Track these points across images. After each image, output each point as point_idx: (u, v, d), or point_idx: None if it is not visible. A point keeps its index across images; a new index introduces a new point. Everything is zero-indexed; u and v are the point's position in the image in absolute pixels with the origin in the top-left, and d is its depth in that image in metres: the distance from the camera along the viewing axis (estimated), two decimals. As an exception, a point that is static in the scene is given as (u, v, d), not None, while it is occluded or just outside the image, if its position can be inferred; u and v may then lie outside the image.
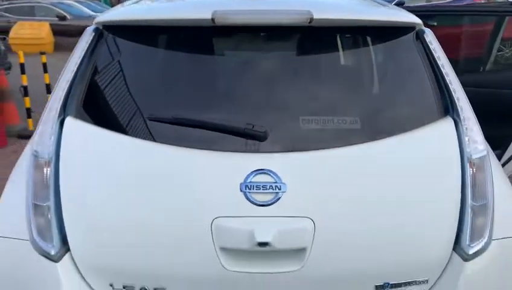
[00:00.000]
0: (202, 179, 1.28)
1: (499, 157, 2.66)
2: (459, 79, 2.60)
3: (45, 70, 5.80)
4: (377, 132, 1.39)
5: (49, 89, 5.72)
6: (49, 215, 1.30)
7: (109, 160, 1.34)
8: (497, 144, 2.63)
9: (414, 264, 1.29)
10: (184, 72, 1.49)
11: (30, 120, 5.31)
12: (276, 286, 1.25)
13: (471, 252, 1.28)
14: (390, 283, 1.27)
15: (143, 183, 1.30)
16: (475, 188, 1.36)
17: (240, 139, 1.33)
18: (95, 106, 1.46)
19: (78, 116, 1.40)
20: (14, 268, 1.30)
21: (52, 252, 1.27)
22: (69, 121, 1.39)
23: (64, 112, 1.42)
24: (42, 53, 5.64)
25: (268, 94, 1.41)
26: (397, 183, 1.33)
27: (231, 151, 1.31)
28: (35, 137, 1.41)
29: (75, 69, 1.47)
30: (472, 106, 2.56)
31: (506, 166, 2.69)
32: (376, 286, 1.27)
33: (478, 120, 2.72)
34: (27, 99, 5.37)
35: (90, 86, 1.46)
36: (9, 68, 7.00)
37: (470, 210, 1.32)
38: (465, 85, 2.57)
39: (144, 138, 1.34)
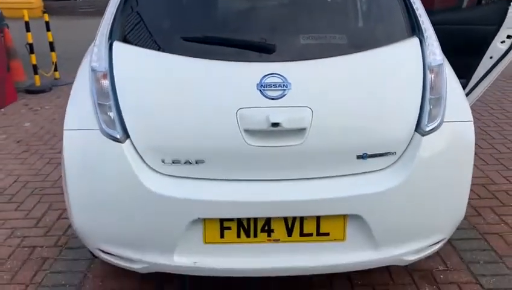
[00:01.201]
0: (229, 81, 1.70)
1: (464, 86, 3.12)
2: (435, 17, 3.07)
3: (48, 29, 6.05)
4: (360, 46, 1.82)
5: (52, 47, 5.99)
6: (110, 112, 1.71)
7: (151, 70, 1.74)
8: (463, 73, 3.08)
9: (386, 140, 1.73)
10: (211, 3, 1.90)
11: (37, 76, 5.62)
12: (284, 155, 1.69)
13: (427, 129, 1.73)
14: (368, 153, 1.74)
15: (181, 86, 1.70)
16: (432, 86, 1.80)
17: (255, 53, 1.75)
18: (135, 31, 1.86)
19: (122, 39, 1.81)
20: (90, 150, 1.71)
21: (118, 136, 1.69)
22: (116, 44, 1.80)
23: (111, 37, 1.82)
24: (44, 12, 5.89)
25: (277, 18, 1.84)
26: (376, 82, 1.76)
27: (249, 61, 1.73)
28: (92, 57, 1.81)
29: (118, 1, 1.87)
30: (444, 40, 3.01)
31: (471, 94, 3.15)
32: (357, 155, 1.74)
33: (448, 53, 3.18)
34: (33, 56, 5.65)
35: (130, 15, 1.86)
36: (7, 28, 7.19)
37: (428, 101, 1.77)
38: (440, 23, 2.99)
39: (178, 54, 1.75)
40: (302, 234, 1.74)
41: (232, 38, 1.76)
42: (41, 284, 2.29)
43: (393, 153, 1.75)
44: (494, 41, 2.90)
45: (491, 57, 2.96)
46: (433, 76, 1.82)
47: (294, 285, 2.23)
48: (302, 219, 1.72)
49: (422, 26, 1.94)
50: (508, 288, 2.23)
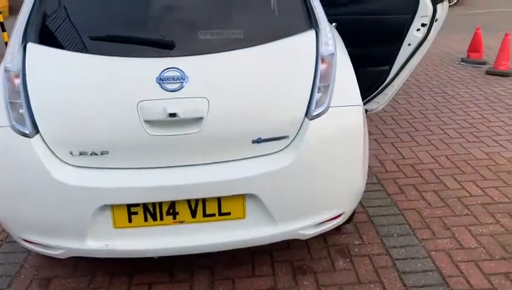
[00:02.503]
0: (130, 76, 1.83)
1: (388, 72, 3.31)
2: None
3: (3, 30, 6.09)
4: (258, 40, 1.97)
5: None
6: (21, 110, 1.84)
7: (61, 69, 1.87)
8: (385, 61, 3.27)
9: (278, 126, 1.89)
10: (113, 2, 2.03)
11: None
12: (184, 143, 1.83)
13: (314, 114, 1.90)
14: (262, 137, 1.89)
15: (87, 83, 1.83)
16: (322, 75, 1.97)
17: (156, 49, 1.89)
18: (47, 31, 1.98)
19: (35, 40, 1.93)
20: (2, 146, 1.84)
21: (27, 131, 1.81)
22: (30, 45, 1.92)
23: (25, 38, 1.93)
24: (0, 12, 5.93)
25: (177, 15, 1.98)
26: (270, 73, 1.91)
27: (150, 57, 1.86)
28: (6, 58, 1.93)
29: (31, 4, 1.98)
30: (359, 32, 3.18)
31: (396, 79, 3.34)
32: (252, 140, 1.89)
33: (369, 42, 3.35)
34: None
35: (43, 16, 1.98)
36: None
37: (317, 88, 1.94)
38: (351, 14, 3.16)
39: (86, 52, 1.87)
40: (205, 215, 1.90)
41: (134, 36, 1.90)
42: (-23, 276, 2.42)
43: (286, 137, 1.91)
44: (410, 30, 3.09)
45: (409, 44, 3.15)
46: (324, 66, 1.98)
47: (218, 261, 2.40)
48: (204, 200, 1.88)
49: (318, 19, 2.10)
50: (415, 257, 2.43)
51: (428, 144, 3.80)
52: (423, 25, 3.06)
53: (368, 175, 3.27)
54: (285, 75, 1.94)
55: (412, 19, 3.05)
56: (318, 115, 1.90)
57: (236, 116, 1.86)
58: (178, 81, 1.82)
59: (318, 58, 1.99)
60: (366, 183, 3.15)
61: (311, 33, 2.06)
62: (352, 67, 2.12)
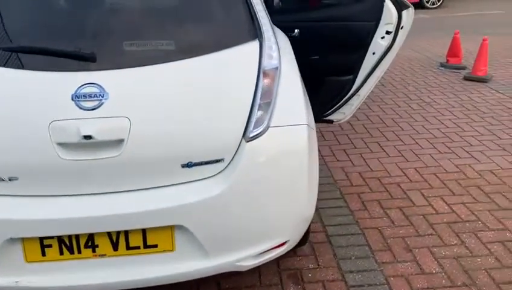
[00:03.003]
0: (43, 92, 1.64)
1: (353, 82, 3.14)
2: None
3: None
4: (191, 52, 1.78)
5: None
6: None
7: None
8: (348, 70, 3.11)
9: (212, 148, 1.70)
10: (26, 10, 1.82)
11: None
12: (102, 168, 1.63)
13: (251, 135, 1.70)
14: (193, 161, 1.70)
15: None
16: (264, 91, 1.79)
17: (74, 62, 1.69)
18: None
19: None
20: None
21: None
22: None
23: None
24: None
25: (99, 25, 1.78)
26: (204, 87, 1.72)
27: (66, 70, 1.67)
28: None
29: None
30: (321, 39, 3.00)
31: (362, 89, 3.18)
32: (182, 165, 1.70)
33: (332, 49, 3.16)
34: None
35: None
36: None
37: (257, 107, 1.75)
38: (313, 20, 2.99)
39: None
40: (128, 248, 1.71)
41: (48, 47, 1.69)
42: None
43: (222, 160, 1.73)
44: (374, 38, 2.93)
45: (373, 53, 2.98)
46: (266, 81, 1.80)
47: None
48: (126, 232, 1.69)
49: (262, 28, 1.92)
50: (371, 284, 2.26)
51: (398, 155, 3.65)
52: (388, 32, 2.89)
53: (330, 190, 3.12)
54: (221, 91, 1.75)
55: (376, 26, 2.89)
56: (256, 136, 1.72)
57: (163, 137, 1.67)
58: (96, 98, 1.62)
59: (260, 72, 1.81)
60: (328, 199, 2.98)
61: (253, 44, 1.88)
62: (300, 82, 1.94)
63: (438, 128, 4.15)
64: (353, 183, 3.23)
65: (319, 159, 3.65)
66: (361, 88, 3.15)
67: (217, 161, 1.72)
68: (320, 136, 4.04)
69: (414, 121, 4.37)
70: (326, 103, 3.19)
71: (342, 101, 3.19)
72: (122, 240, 1.69)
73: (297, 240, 2.01)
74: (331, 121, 3.35)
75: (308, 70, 3.14)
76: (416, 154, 3.64)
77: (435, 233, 2.63)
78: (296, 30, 2.97)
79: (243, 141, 1.72)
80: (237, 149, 1.72)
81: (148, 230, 1.69)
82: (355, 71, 3.06)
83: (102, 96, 1.63)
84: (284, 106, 1.80)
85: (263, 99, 1.77)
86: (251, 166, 1.71)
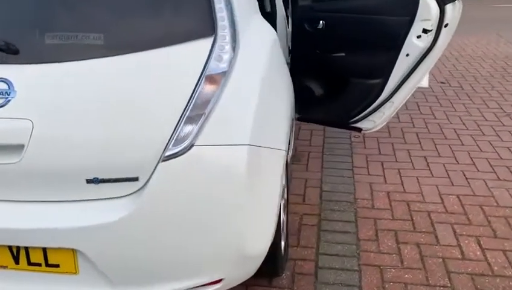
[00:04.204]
0: None
1: (382, 87, 2.64)
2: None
3: None
4: (124, 47, 1.52)
5: None
6: None
7: None
8: (377, 72, 2.62)
9: (124, 164, 1.44)
10: None
11: None
12: None
13: (168, 153, 1.41)
14: (99, 177, 1.46)
15: None
16: (198, 100, 1.48)
17: None
18: None
19: None
20: None
21: None
22: None
23: None
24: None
25: (16, 12, 1.58)
26: (128, 91, 1.45)
27: None
28: None
29: None
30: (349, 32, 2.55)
31: (394, 97, 2.67)
32: (87, 179, 1.47)
33: (355, 47, 2.70)
34: None
35: None
36: None
37: (184, 120, 1.45)
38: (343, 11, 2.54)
39: None
40: (30, 263, 1.53)
41: None
42: None
43: (136, 179, 1.46)
44: (408, 36, 2.40)
45: (407, 55, 2.45)
46: (207, 87, 1.49)
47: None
48: (26, 247, 1.52)
49: (218, 24, 1.59)
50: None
51: (444, 176, 3.07)
52: (425, 31, 2.35)
53: (344, 210, 2.70)
54: (148, 98, 1.47)
55: (411, 23, 2.36)
56: (172, 156, 1.42)
57: (67, 146, 1.45)
58: (1, 96, 1.45)
59: (202, 76, 1.50)
60: (337, 221, 2.60)
61: (204, 43, 1.56)
62: (259, 94, 1.60)
63: (508, 148, 3.44)
64: (375, 205, 2.76)
65: (346, 170, 3.26)
66: (395, 95, 2.64)
67: (128, 180, 1.46)
68: (361, 142, 3.57)
69: (481, 135, 3.68)
70: (351, 108, 2.75)
71: (371, 107, 2.72)
72: (23, 255, 1.52)
73: (242, 277, 1.70)
74: (360, 130, 2.89)
75: (329, 69, 2.74)
76: (466, 178, 3.03)
77: (449, 286, 2.11)
78: (321, 21, 2.58)
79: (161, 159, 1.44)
80: (154, 168, 1.45)
81: (49, 249, 1.50)
82: (384, 74, 2.56)
83: (9, 94, 1.45)
84: (223, 120, 1.48)
85: (195, 110, 1.46)
86: (163, 190, 1.43)
